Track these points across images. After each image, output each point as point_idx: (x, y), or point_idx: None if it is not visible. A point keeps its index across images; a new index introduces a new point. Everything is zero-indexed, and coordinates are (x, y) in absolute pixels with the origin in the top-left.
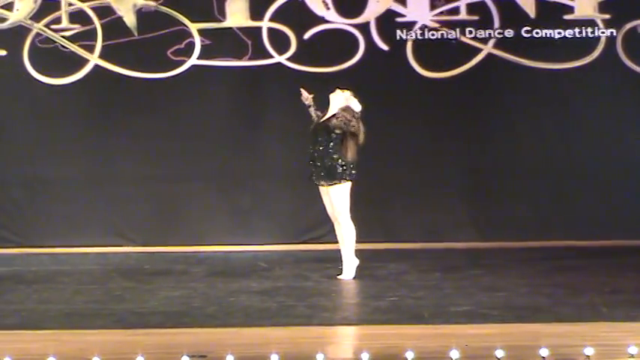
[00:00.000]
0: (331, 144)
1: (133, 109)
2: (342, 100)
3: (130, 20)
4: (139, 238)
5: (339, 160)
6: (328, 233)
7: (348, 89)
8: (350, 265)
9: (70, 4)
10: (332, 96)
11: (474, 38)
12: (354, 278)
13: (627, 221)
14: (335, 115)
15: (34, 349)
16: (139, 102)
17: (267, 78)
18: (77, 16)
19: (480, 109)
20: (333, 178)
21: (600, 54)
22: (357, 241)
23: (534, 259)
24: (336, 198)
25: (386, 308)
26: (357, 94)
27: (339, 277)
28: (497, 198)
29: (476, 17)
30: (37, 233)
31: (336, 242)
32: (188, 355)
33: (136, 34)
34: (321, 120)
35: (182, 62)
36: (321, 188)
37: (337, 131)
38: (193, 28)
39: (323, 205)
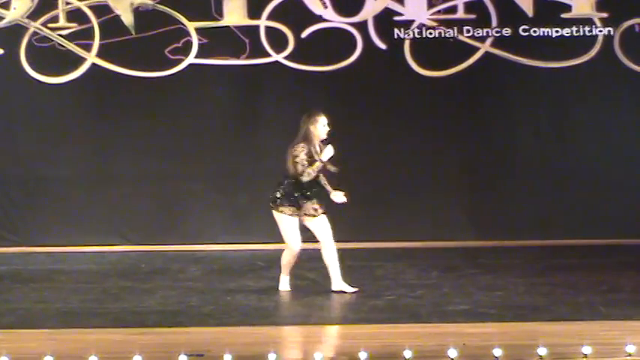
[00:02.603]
0: None
1: (131, 107)
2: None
3: (128, 19)
4: (136, 237)
5: None
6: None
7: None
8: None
9: (68, 3)
10: (320, 127)
11: (472, 37)
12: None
13: (625, 219)
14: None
15: (31, 348)
16: (136, 101)
17: (265, 77)
18: (74, 15)
19: (477, 107)
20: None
21: (598, 52)
22: (355, 240)
23: (532, 259)
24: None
25: (384, 307)
26: (355, 94)
27: (280, 288)
28: (496, 197)
29: (473, 16)
30: (34, 232)
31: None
32: (186, 354)
33: (133, 32)
34: (324, 158)
35: (180, 61)
36: (311, 219)
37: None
38: (191, 26)
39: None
